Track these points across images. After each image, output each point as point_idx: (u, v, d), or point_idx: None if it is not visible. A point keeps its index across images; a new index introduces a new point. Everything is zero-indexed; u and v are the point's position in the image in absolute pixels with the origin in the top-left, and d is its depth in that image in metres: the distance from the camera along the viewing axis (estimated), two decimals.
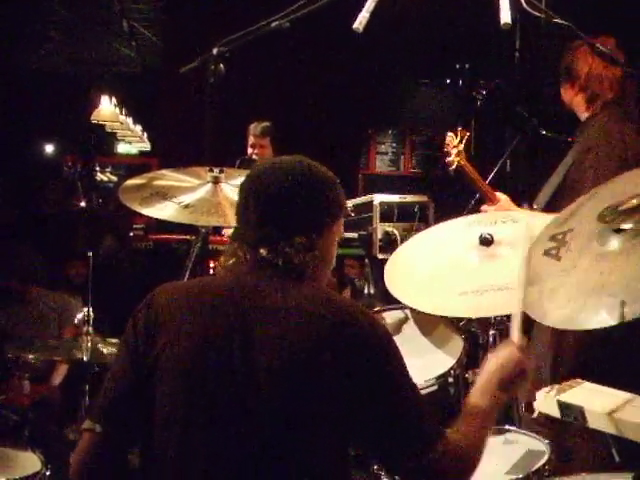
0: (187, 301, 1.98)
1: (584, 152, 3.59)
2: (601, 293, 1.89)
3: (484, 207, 3.67)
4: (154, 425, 1.91)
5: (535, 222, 2.58)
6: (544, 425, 2.97)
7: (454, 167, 3.68)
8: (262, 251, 1.98)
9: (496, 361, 2.14)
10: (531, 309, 2.15)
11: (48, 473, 3.08)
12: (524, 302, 2.15)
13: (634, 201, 1.95)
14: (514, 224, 3.04)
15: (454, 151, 3.68)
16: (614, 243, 1.96)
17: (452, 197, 3.78)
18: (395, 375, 1.94)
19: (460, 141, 3.71)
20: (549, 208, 3.55)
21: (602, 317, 1.87)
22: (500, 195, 3.69)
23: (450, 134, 3.74)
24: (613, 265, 1.92)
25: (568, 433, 3.26)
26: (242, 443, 1.85)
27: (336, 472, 1.93)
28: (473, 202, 4.17)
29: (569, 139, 4.15)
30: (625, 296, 1.83)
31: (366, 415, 1.89)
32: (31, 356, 4.02)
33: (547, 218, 2.69)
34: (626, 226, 1.92)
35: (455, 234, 3.07)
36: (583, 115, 3.77)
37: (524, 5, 3.15)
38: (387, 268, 3.02)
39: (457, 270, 2.94)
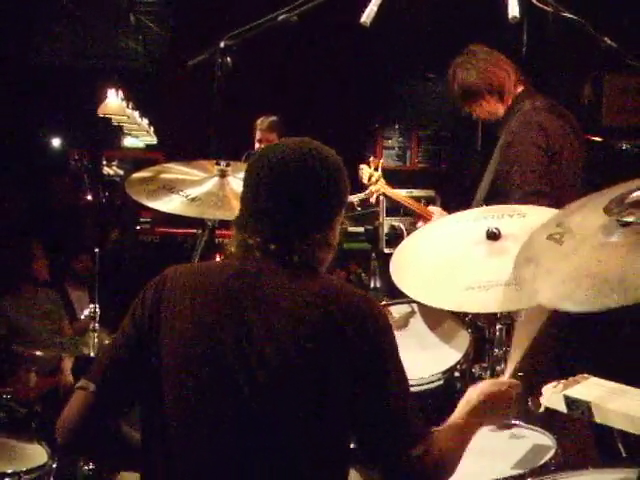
0: (195, 285, 1.98)
1: (506, 147, 3.59)
2: (595, 278, 1.89)
3: (419, 224, 3.68)
4: (154, 399, 1.93)
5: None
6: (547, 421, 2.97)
7: (376, 195, 3.69)
8: (275, 246, 1.97)
9: (481, 389, 2.21)
10: (524, 286, 2.17)
11: (55, 465, 3.09)
12: (517, 279, 2.19)
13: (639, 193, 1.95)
14: (521, 218, 3.03)
15: (373, 180, 3.69)
16: (617, 236, 1.97)
17: (458, 191, 3.78)
18: (389, 370, 1.94)
19: (375, 169, 3.72)
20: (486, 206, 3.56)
21: (590, 302, 1.87)
22: (432, 209, 3.70)
23: (362, 166, 3.76)
24: (612, 256, 1.93)
25: (573, 428, 3.26)
26: (237, 428, 1.86)
27: (333, 460, 1.94)
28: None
29: None
30: (616, 285, 1.84)
31: (356, 405, 1.90)
32: (38, 352, 4.03)
33: (550, 211, 2.69)
34: (631, 219, 1.92)
35: (461, 227, 3.07)
36: (501, 114, 3.77)
37: None
38: (392, 260, 3.02)
39: (463, 264, 2.93)
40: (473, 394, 2.19)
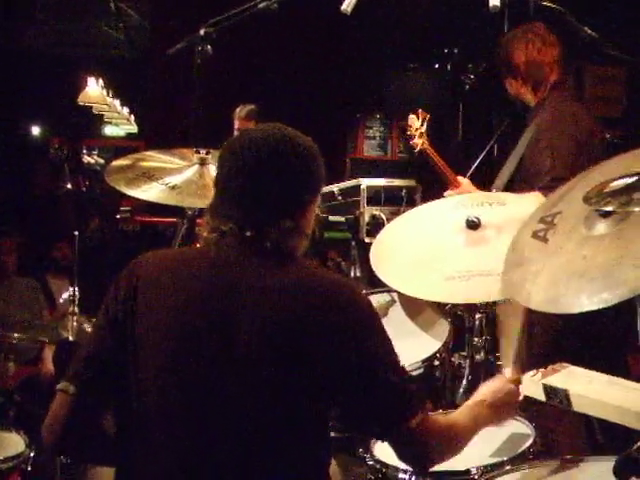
0: (169, 271, 1.98)
1: (538, 134, 3.62)
2: (582, 278, 1.90)
3: (447, 192, 3.69)
4: (132, 391, 1.92)
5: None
6: (526, 409, 2.99)
7: (417, 150, 3.68)
8: (248, 233, 1.97)
9: (488, 388, 2.29)
10: (515, 291, 2.17)
11: (32, 454, 3.07)
12: (508, 286, 2.20)
13: (619, 182, 1.95)
14: (501, 207, 3.04)
15: (417, 133, 3.69)
16: (600, 227, 1.97)
17: (439, 182, 3.78)
18: (378, 347, 1.95)
19: (422, 123, 3.71)
20: (507, 191, 3.59)
21: (582, 302, 1.88)
22: (461, 179, 3.71)
23: (412, 116, 3.74)
24: (596, 250, 1.93)
25: (551, 416, 3.28)
26: (222, 416, 1.86)
27: (316, 444, 1.95)
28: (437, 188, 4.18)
29: None
30: (605, 281, 1.84)
31: (349, 385, 1.91)
32: (16, 335, 4.00)
33: (530, 199, 2.69)
34: (610, 208, 1.92)
35: (441, 216, 3.07)
36: (532, 102, 3.79)
37: None
38: (373, 250, 3.02)
39: (443, 254, 2.94)
40: (487, 391, 2.27)
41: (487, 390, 2.29)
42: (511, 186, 3.63)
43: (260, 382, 1.86)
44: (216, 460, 1.86)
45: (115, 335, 1.96)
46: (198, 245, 2.93)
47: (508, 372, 2.44)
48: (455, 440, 2.07)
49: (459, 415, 2.15)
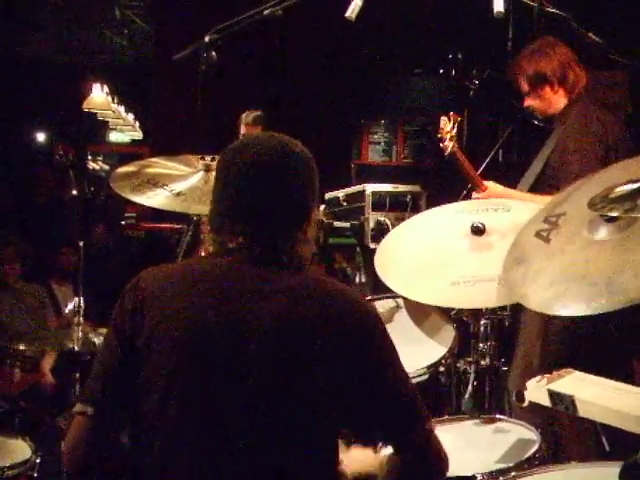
0: (175, 284, 1.96)
1: (565, 137, 3.64)
2: (583, 281, 1.90)
3: (475, 194, 3.70)
4: (145, 406, 1.91)
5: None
6: (534, 414, 2.98)
7: (448, 152, 3.68)
8: (259, 247, 1.95)
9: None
10: (514, 289, 2.18)
11: (38, 460, 3.08)
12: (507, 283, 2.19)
13: (624, 188, 1.95)
14: (505, 212, 3.04)
15: (448, 136, 3.68)
16: (603, 232, 1.97)
17: (444, 187, 3.78)
18: (386, 355, 1.95)
19: (453, 126, 3.71)
20: (532, 193, 3.61)
21: (580, 306, 1.89)
22: (488, 183, 3.71)
23: (444, 118, 3.74)
24: (599, 255, 1.94)
25: (558, 422, 3.27)
26: (236, 425, 1.85)
27: (325, 452, 1.94)
28: (465, 192, 4.16)
29: None
30: (605, 287, 1.84)
31: (359, 395, 1.91)
32: (22, 347, 4.01)
33: (537, 203, 2.69)
34: (615, 214, 1.92)
35: (445, 222, 3.07)
36: (559, 108, 3.80)
37: None
38: (377, 256, 3.01)
39: (448, 259, 2.94)
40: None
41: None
42: (536, 189, 3.65)
43: (272, 390, 1.85)
44: (232, 468, 1.86)
45: (125, 351, 1.95)
46: (202, 255, 2.92)
47: None
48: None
49: None
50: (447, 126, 3.71)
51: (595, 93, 3.84)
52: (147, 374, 1.91)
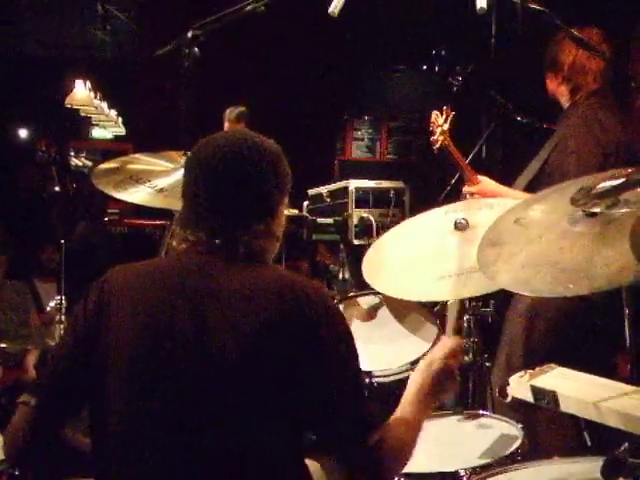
0: (139, 283, 1.96)
1: (565, 138, 3.64)
2: (554, 267, 1.94)
3: (465, 188, 3.69)
4: (105, 405, 1.91)
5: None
6: (516, 410, 2.99)
7: (438, 146, 3.68)
8: (219, 241, 1.96)
9: (424, 368, 2.18)
10: (485, 268, 2.21)
11: None
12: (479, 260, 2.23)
13: (605, 184, 1.97)
14: (489, 210, 3.04)
15: (439, 130, 3.69)
16: (582, 225, 2.01)
17: (428, 183, 3.78)
18: (343, 358, 1.93)
19: (445, 120, 3.71)
20: (528, 192, 3.60)
21: (546, 287, 1.94)
22: (481, 177, 3.70)
23: (435, 112, 3.74)
24: (575, 245, 1.98)
25: (540, 418, 3.29)
26: (194, 422, 1.85)
27: (289, 452, 1.92)
28: (449, 187, 4.17)
29: (544, 125, 4.17)
30: (574, 274, 1.88)
31: (311, 394, 1.89)
32: (3, 345, 4.00)
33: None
34: (596, 210, 1.94)
35: (430, 224, 3.07)
36: (566, 104, 3.80)
37: None
38: (365, 263, 3.00)
39: (435, 256, 2.94)
40: (418, 377, 2.16)
41: (418, 377, 2.17)
42: (533, 188, 3.64)
43: (235, 386, 1.85)
44: (194, 467, 1.85)
45: (82, 349, 1.95)
46: (165, 255, 2.92)
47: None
48: (406, 451, 2.00)
49: (402, 421, 2.05)
50: (438, 120, 3.71)
51: (603, 95, 3.79)
52: (105, 372, 1.91)
